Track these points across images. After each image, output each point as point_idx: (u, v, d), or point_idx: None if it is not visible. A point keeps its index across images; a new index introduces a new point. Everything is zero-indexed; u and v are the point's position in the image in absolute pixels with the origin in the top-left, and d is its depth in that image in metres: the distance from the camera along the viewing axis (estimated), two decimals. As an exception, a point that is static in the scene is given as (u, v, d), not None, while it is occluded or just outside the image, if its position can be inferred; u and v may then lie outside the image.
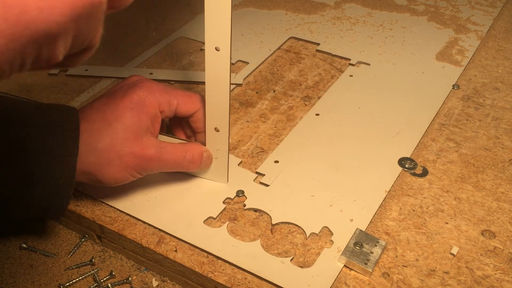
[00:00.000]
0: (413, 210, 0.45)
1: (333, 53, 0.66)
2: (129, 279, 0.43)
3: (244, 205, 0.46)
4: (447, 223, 0.44)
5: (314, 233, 0.43)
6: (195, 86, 0.61)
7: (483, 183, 0.48)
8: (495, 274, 0.40)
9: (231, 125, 0.55)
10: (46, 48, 0.20)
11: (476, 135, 0.53)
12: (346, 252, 0.41)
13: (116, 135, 0.40)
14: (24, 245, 0.46)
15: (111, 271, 0.44)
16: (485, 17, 0.74)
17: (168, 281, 0.44)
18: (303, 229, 0.44)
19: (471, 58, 0.65)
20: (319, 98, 0.59)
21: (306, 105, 0.58)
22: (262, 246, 0.42)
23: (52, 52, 0.21)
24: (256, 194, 0.46)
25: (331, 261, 0.41)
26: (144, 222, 0.44)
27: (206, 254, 0.42)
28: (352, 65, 0.64)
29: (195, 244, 0.42)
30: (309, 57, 0.66)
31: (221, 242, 0.42)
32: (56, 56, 0.21)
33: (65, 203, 0.40)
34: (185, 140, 0.46)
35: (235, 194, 0.46)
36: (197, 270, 0.40)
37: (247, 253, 0.41)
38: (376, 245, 0.41)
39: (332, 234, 0.43)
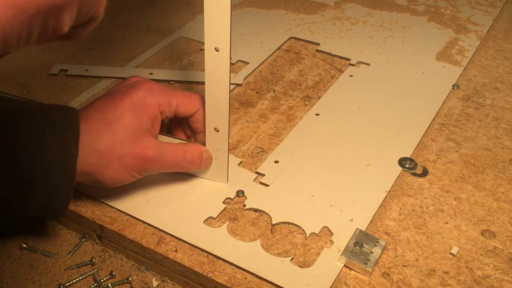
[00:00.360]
0: (413, 210, 0.45)
1: (333, 53, 0.66)
2: (129, 279, 0.43)
3: (244, 205, 0.46)
4: (447, 223, 0.44)
5: (314, 233, 0.43)
6: (195, 86, 0.61)
7: (483, 183, 0.48)
8: (495, 274, 0.40)
9: (231, 125, 0.55)
10: (52, 19, 0.20)
11: (476, 135, 0.53)
12: (346, 252, 0.41)
13: (116, 136, 0.40)
14: (24, 245, 0.46)
15: (111, 271, 0.44)
16: (485, 17, 0.74)
17: (168, 281, 0.44)
18: (303, 229, 0.44)
19: (471, 58, 0.65)
20: (319, 98, 0.59)
21: (306, 105, 0.58)
22: (262, 246, 0.42)
23: (58, 23, 0.21)
24: (256, 194, 0.47)
25: (331, 261, 0.41)
26: (144, 222, 0.44)
27: (206, 254, 0.42)
28: (352, 65, 0.64)
29: (195, 244, 0.42)
30: (309, 57, 0.66)
31: (221, 242, 0.42)
32: (62, 27, 0.21)
33: (65, 203, 0.40)
34: (185, 140, 0.46)
35: (235, 194, 0.46)
36: (197, 270, 0.40)
37: (247, 253, 0.41)
38: (376, 245, 0.41)
39: (332, 234, 0.43)
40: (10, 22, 0.19)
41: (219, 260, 0.41)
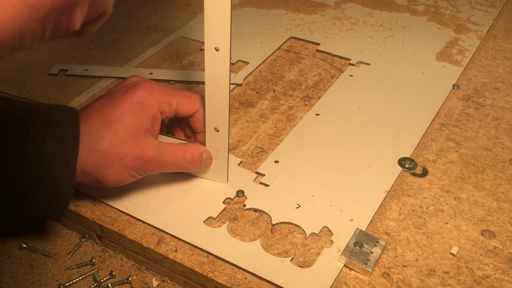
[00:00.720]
0: (413, 210, 0.45)
1: (333, 53, 0.66)
2: (129, 279, 0.43)
3: (244, 205, 0.46)
4: (447, 223, 0.44)
5: (314, 233, 0.43)
6: (195, 86, 0.61)
7: (483, 183, 0.48)
8: (495, 274, 0.40)
9: (231, 125, 0.55)
10: (65, 16, 0.21)
11: (476, 135, 0.53)
12: (346, 252, 0.41)
13: (116, 136, 0.40)
14: (24, 245, 0.46)
15: (111, 271, 0.44)
16: (485, 17, 0.74)
17: (168, 281, 0.44)
18: (303, 229, 0.44)
19: (471, 58, 0.65)
20: (319, 98, 0.59)
21: (306, 105, 0.58)
22: (262, 246, 0.42)
23: (71, 19, 0.22)
24: (256, 194, 0.47)
25: (331, 261, 0.41)
26: (144, 222, 0.44)
27: (206, 254, 0.42)
28: (352, 65, 0.64)
29: (195, 244, 0.42)
30: (309, 57, 0.66)
31: (221, 242, 0.42)
32: (74, 23, 0.22)
33: (66, 204, 0.40)
34: (185, 140, 0.46)
35: (235, 194, 0.46)
36: (197, 270, 0.40)
37: (247, 253, 0.41)
38: (376, 245, 0.41)
39: (332, 234, 0.43)
40: (26, 20, 0.19)
41: (219, 260, 0.41)
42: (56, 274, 0.44)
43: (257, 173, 0.49)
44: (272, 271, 0.40)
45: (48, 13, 0.20)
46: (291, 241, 0.43)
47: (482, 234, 0.43)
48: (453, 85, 0.60)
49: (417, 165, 0.50)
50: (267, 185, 0.47)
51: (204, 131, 0.45)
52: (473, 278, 0.40)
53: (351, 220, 0.44)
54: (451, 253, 0.42)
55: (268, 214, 0.45)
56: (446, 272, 0.40)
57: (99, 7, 0.23)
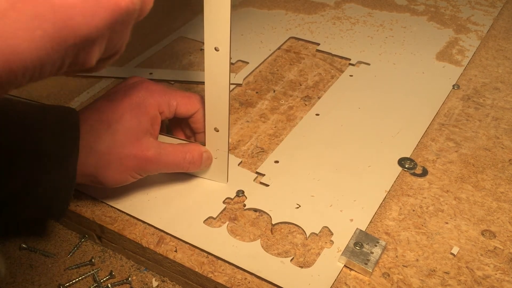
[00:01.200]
0: (413, 210, 0.45)
1: (333, 53, 0.66)
2: (129, 279, 0.43)
3: (244, 205, 0.46)
4: (447, 223, 0.44)
5: (314, 233, 0.43)
6: (195, 86, 0.61)
7: (483, 183, 0.48)
8: (495, 274, 0.40)
9: (231, 125, 0.55)
10: (84, 51, 0.22)
11: (476, 135, 0.53)
12: (346, 252, 0.41)
13: (115, 137, 0.40)
14: (24, 245, 0.46)
15: (111, 271, 0.44)
16: (485, 17, 0.74)
17: (168, 281, 0.44)
18: (303, 229, 0.44)
19: (471, 58, 0.65)
20: (319, 98, 0.59)
21: (306, 105, 0.58)
22: (262, 246, 0.42)
23: (88, 55, 0.23)
24: (256, 194, 0.46)
25: (331, 261, 0.41)
26: (144, 222, 0.44)
27: (206, 254, 0.42)
28: (352, 65, 0.64)
29: (195, 244, 0.42)
30: (309, 57, 0.66)
31: (221, 242, 0.42)
32: (90, 60, 0.23)
33: (66, 204, 0.40)
34: (185, 141, 0.46)
35: (235, 194, 0.46)
36: (197, 270, 0.40)
37: (247, 253, 0.41)
38: (376, 245, 0.41)
39: (332, 234, 0.43)
40: (49, 52, 0.20)
41: (219, 260, 0.41)
42: (56, 274, 0.44)
43: (257, 173, 0.49)
44: (272, 271, 0.40)
45: (69, 48, 0.21)
46: (291, 241, 0.43)
47: (482, 234, 0.43)
48: (453, 85, 0.60)
49: (417, 165, 0.49)
50: (267, 185, 0.47)
51: (204, 131, 0.45)
52: (474, 278, 0.40)
53: (351, 220, 0.44)
54: (452, 253, 0.42)
55: (268, 214, 0.45)
56: (446, 272, 0.40)
57: (115, 46, 0.24)
